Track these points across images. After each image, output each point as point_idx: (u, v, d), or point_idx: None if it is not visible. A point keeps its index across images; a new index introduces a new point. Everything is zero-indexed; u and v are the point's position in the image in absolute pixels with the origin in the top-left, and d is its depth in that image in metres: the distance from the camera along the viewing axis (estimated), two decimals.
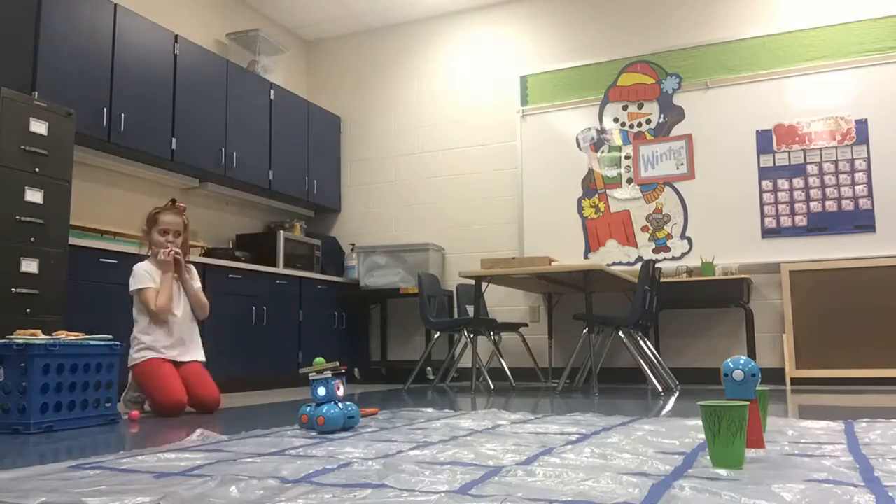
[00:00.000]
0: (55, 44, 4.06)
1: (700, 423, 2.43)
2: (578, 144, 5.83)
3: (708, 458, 1.68)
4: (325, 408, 2.31)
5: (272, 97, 5.82)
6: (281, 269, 5.41)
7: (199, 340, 3.57)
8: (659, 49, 5.67)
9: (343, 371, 2.43)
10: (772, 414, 2.77)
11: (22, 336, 2.63)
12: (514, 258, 4.86)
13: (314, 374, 2.38)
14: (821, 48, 5.22)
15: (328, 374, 2.37)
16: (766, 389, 2.04)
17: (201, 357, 3.51)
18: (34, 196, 3.47)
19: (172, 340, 3.37)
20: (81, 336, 2.75)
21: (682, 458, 1.68)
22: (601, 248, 5.66)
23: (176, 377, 3.24)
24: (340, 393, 2.37)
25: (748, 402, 1.58)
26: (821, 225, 5.11)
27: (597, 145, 5.79)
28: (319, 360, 2.45)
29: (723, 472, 1.48)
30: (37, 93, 3.84)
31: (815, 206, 5.13)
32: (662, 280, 4.98)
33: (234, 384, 4.88)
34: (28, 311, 3.32)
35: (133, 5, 4.68)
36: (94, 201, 4.60)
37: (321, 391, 2.34)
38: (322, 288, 5.77)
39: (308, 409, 2.35)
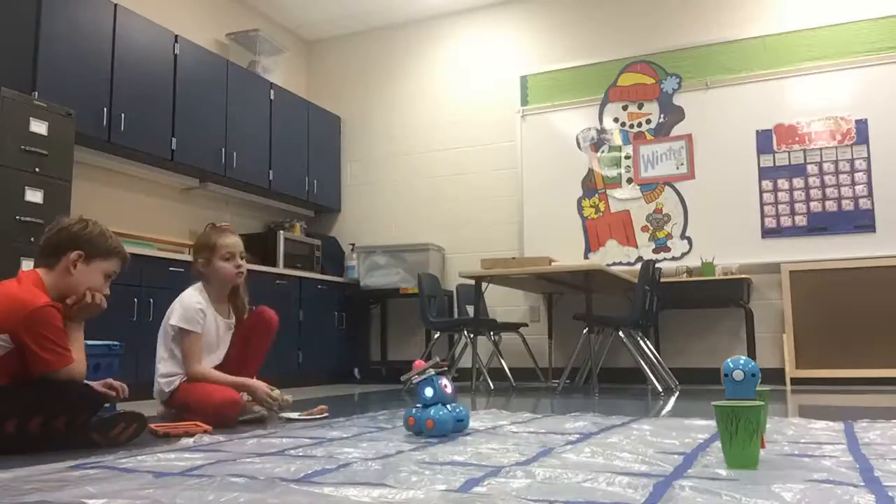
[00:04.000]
0: (55, 44, 4.06)
1: (700, 423, 2.43)
2: (578, 144, 5.83)
3: (708, 457, 1.68)
4: (433, 410, 2.14)
5: (272, 97, 5.82)
6: (281, 269, 5.41)
7: None
8: (659, 49, 5.67)
9: (446, 368, 2.25)
10: (772, 414, 2.77)
11: None
12: (514, 258, 4.87)
13: (416, 376, 2.21)
14: (821, 48, 5.22)
15: (431, 372, 2.19)
16: (767, 389, 2.04)
17: None
18: (34, 196, 3.47)
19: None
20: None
21: (682, 458, 1.68)
22: (601, 248, 5.65)
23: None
24: (449, 391, 2.19)
25: (763, 403, 1.58)
26: (821, 225, 5.10)
27: (597, 145, 5.78)
28: (422, 363, 2.26)
29: (722, 471, 1.48)
30: (37, 93, 3.84)
31: (815, 206, 5.13)
32: (662, 280, 4.98)
33: None
34: None
35: (133, 5, 4.68)
36: (94, 201, 4.60)
37: (428, 392, 2.16)
38: (322, 288, 5.77)
39: (414, 411, 2.18)
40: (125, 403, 2.97)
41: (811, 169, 5.17)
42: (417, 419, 2.15)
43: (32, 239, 3.41)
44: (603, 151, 5.76)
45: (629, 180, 5.65)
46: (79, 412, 2.08)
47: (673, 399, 3.86)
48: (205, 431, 2.34)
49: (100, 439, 2.09)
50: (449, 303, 5.81)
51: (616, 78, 5.79)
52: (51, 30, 4.04)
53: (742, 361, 1.65)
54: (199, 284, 2.90)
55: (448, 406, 2.17)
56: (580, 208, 5.75)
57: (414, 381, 2.20)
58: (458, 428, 2.19)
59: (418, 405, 2.19)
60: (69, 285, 2.19)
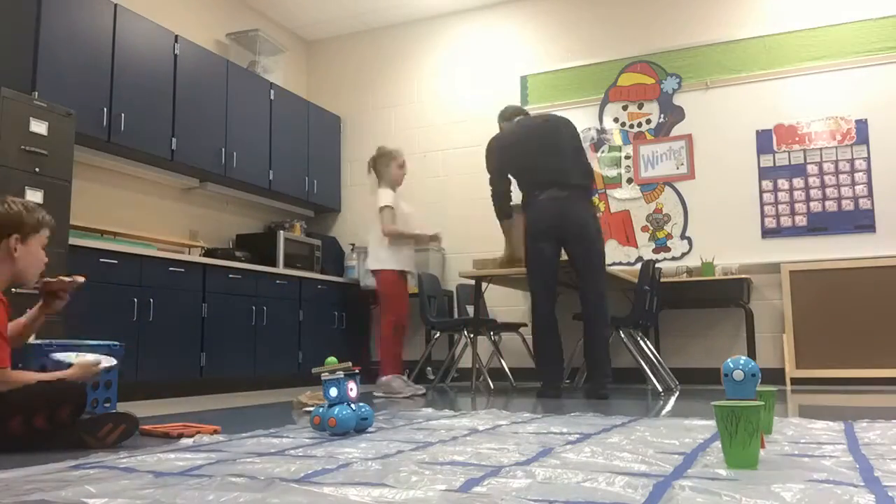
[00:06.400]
0: (55, 44, 4.05)
1: (700, 423, 2.43)
2: None
3: (708, 457, 1.68)
4: (336, 409, 2.25)
5: (272, 97, 5.82)
6: (281, 269, 5.41)
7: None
8: (659, 49, 5.67)
9: (357, 371, 2.38)
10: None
11: None
12: None
13: (326, 374, 2.33)
14: (821, 48, 5.21)
15: (340, 374, 2.32)
16: (772, 390, 2.03)
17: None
18: (34, 196, 3.46)
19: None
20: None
21: (682, 458, 1.68)
22: None
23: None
24: (353, 394, 2.32)
25: (763, 403, 1.58)
26: (821, 225, 5.10)
27: (597, 145, 5.78)
28: (332, 359, 2.39)
29: (722, 471, 1.48)
30: (37, 93, 3.84)
31: (815, 206, 5.13)
32: (662, 280, 4.98)
33: (235, 384, 4.88)
34: (28, 311, 3.31)
35: (133, 5, 4.68)
36: (94, 201, 4.60)
37: (333, 392, 2.29)
38: (322, 288, 5.77)
39: (320, 410, 2.29)
40: (124, 404, 2.97)
41: (811, 169, 5.17)
42: (322, 417, 2.26)
43: None
44: (603, 151, 5.76)
45: (629, 180, 5.65)
46: (57, 408, 2.04)
47: (673, 399, 3.86)
48: (214, 432, 2.35)
49: (89, 440, 2.07)
50: (449, 303, 5.81)
51: (616, 78, 5.79)
52: (51, 30, 4.04)
53: (742, 361, 1.65)
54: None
55: (352, 406, 2.30)
56: None
57: (323, 378, 2.32)
58: (361, 426, 2.33)
59: (323, 405, 2.31)
60: (17, 270, 2.17)
